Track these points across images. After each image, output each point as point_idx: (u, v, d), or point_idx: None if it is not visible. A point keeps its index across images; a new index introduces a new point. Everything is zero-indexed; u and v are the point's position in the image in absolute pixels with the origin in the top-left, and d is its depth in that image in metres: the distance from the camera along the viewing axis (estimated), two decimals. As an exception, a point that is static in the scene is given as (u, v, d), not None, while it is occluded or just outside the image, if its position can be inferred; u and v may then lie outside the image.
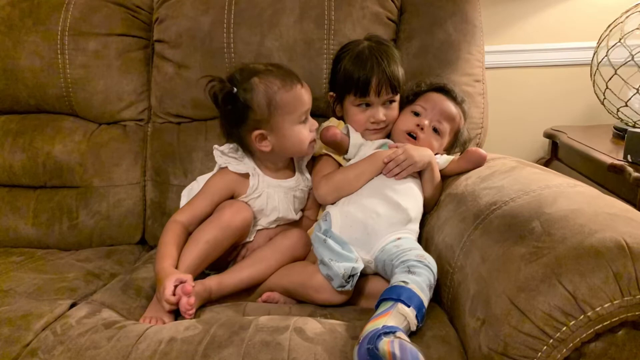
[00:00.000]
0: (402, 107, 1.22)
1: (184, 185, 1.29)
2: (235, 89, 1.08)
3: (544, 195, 0.89)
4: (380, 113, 1.18)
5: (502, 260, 0.82)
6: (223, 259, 1.14)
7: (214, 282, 1.04)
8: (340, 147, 1.18)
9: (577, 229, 0.77)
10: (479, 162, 1.15)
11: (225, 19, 1.34)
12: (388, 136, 1.23)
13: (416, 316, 0.83)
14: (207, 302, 1.03)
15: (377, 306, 0.86)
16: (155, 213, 1.38)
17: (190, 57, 1.35)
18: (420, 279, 0.88)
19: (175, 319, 0.99)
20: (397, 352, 0.72)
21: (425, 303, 0.87)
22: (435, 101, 1.18)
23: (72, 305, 1.03)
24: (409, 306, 0.82)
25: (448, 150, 1.24)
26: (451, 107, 1.19)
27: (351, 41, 1.24)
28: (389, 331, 0.76)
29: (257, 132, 1.10)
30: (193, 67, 1.35)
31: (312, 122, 1.13)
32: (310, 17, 1.32)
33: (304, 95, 1.11)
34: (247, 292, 1.10)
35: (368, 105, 1.18)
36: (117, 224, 1.37)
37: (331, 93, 1.25)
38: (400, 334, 0.77)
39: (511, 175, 1.04)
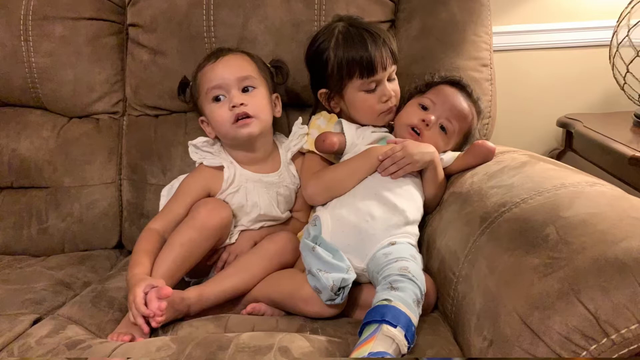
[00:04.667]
0: (411, 99, 1.15)
1: (162, 185, 1.24)
2: (190, 82, 1.16)
3: (559, 196, 0.83)
4: (389, 88, 1.11)
5: (513, 272, 0.76)
6: (203, 263, 1.09)
7: (193, 295, 0.98)
8: (338, 151, 1.12)
9: (598, 237, 0.71)
10: (487, 156, 1.08)
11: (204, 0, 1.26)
12: (390, 131, 1.16)
13: (405, 336, 0.77)
14: (186, 315, 0.97)
15: (360, 332, 0.79)
16: (133, 215, 1.32)
17: (167, 42, 1.28)
18: (404, 295, 0.82)
19: (151, 336, 0.93)
20: None
21: (414, 321, 0.81)
22: (447, 96, 1.11)
23: (36, 321, 0.98)
24: (395, 326, 0.76)
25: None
26: (464, 104, 1.12)
27: (319, 31, 1.16)
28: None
29: (200, 118, 1.14)
30: (170, 53, 1.28)
31: (230, 100, 1.06)
32: (298, -5, 1.25)
33: (215, 70, 1.08)
34: (230, 302, 1.04)
35: (376, 85, 1.11)
36: (91, 227, 1.31)
37: (323, 90, 1.16)
38: (403, 343, 0.74)
39: (522, 171, 0.97)
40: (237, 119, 1.06)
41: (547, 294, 0.69)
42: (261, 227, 1.14)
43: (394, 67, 1.13)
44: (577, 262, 0.69)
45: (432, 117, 1.08)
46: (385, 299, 0.80)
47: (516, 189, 0.90)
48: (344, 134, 1.11)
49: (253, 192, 1.11)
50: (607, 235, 0.70)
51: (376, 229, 0.99)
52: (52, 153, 1.32)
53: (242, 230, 1.12)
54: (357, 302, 0.98)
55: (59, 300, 1.08)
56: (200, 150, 1.13)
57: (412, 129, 1.10)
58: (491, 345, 0.73)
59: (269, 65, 1.16)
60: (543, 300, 0.69)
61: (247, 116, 1.06)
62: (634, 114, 1.36)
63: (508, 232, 0.82)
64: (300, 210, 1.19)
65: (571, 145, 1.48)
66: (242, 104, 1.06)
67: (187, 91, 1.18)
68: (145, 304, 0.89)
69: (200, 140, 1.13)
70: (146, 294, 0.90)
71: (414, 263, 0.91)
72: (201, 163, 1.13)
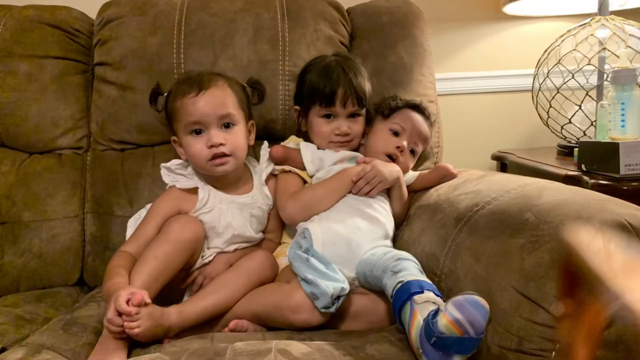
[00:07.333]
0: (373, 120, 1.18)
1: (129, 216, 1.16)
2: (164, 93, 1.09)
3: (527, 191, 0.87)
4: (345, 125, 1.13)
5: (501, 254, 0.77)
6: (177, 286, 1.02)
7: (173, 312, 0.91)
8: (295, 163, 1.12)
9: (574, 214, 0.74)
10: (449, 177, 1.13)
11: (175, 39, 1.26)
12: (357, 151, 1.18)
13: (435, 294, 0.77)
14: (165, 337, 0.89)
15: (401, 322, 0.79)
16: (97, 248, 1.22)
17: (136, 78, 1.25)
18: (409, 270, 0.83)
19: (129, 356, 0.85)
20: (458, 315, 0.67)
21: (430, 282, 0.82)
22: (413, 121, 1.15)
23: (1, 351, 0.86)
24: (422, 292, 0.76)
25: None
26: (426, 128, 1.17)
27: (318, 56, 1.21)
28: (433, 313, 0.71)
29: (172, 138, 1.09)
30: (139, 88, 1.25)
31: (209, 138, 1.01)
32: (264, 38, 1.28)
33: (196, 104, 1.01)
34: (209, 324, 0.97)
35: (333, 117, 1.13)
36: (52, 263, 1.19)
37: (296, 107, 1.19)
38: (439, 300, 0.75)
39: (484, 180, 1.02)
40: (214, 157, 1.02)
41: (539, 265, 0.71)
42: (235, 250, 1.09)
43: (357, 109, 1.13)
44: (560, 234, 0.71)
45: (405, 143, 1.12)
46: (399, 282, 0.79)
47: (484, 192, 0.94)
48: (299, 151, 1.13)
49: (227, 213, 1.07)
50: (581, 212, 0.74)
51: (364, 240, 0.98)
52: (10, 188, 1.21)
53: (217, 253, 1.07)
54: (343, 315, 0.95)
55: (23, 332, 0.96)
56: (173, 172, 1.08)
57: (388, 155, 1.12)
58: (489, 323, 0.72)
59: (245, 84, 1.14)
60: (537, 271, 0.70)
61: (224, 155, 1.03)
62: (558, 145, 1.48)
63: (487, 224, 0.84)
64: (273, 232, 1.15)
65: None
66: (220, 144, 1.02)
67: (159, 100, 1.12)
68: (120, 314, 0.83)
69: (173, 163, 1.08)
70: (128, 301, 0.83)
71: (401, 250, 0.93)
72: (173, 186, 1.07)
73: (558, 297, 0.66)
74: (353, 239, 0.98)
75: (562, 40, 1.38)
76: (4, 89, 1.23)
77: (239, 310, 0.96)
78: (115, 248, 1.15)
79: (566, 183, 1.19)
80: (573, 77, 1.33)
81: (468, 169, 1.17)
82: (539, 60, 1.45)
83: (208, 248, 1.06)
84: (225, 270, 1.03)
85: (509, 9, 1.55)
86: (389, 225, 1.05)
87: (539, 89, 1.43)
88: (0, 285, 1.17)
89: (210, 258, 1.06)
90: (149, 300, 0.85)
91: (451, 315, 0.67)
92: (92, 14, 1.34)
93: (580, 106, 1.35)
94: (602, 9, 1.39)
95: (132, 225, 1.11)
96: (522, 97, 1.61)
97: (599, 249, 0.38)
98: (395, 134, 1.13)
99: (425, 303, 0.74)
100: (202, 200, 1.05)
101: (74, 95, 1.28)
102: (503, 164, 1.54)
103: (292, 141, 1.18)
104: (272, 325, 0.94)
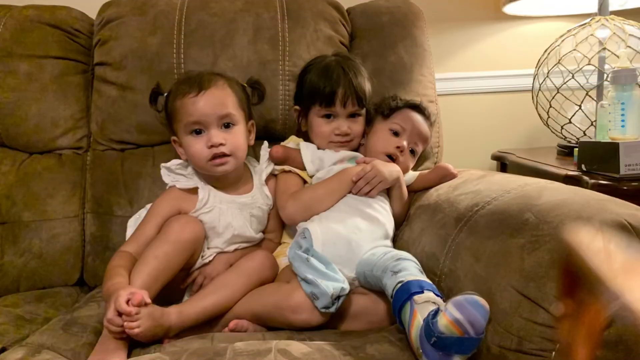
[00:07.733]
0: (373, 120, 1.18)
1: (129, 216, 1.16)
2: (164, 93, 1.09)
3: (527, 191, 0.87)
4: (345, 125, 1.13)
5: (501, 254, 0.77)
6: (177, 286, 1.02)
7: (173, 312, 0.91)
8: (295, 163, 1.12)
9: (574, 214, 0.74)
10: (449, 177, 1.13)
11: (175, 39, 1.26)
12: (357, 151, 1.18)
13: (435, 294, 0.77)
14: (165, 337, 0.89)
15: (401, 322, 0.79)
16: (97, 248, 1.22)
17: (136, 78, 1.25)
18: (409, 270, 0.83)
19: (129, 356, 0.85)
20: (458, 315, 0.67)
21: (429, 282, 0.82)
22: (413, 121, 1.15)
23: (1, 351, 0.86)
24: (422, 292, 0.76)
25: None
26: (426, 128, 1.17)
27: (318, 56, 1.21)
28: (433, 313, 0.71)
29: (172, 138, 1.09)
30: (139, 88, 1.25)
31: (209, 138, 1.01)
32: (264, 38, 1.28)
33: (196, 104, 1.01)
34: (209, 324, 0.97)
35: (333, 116, 1.13)
36: (52, 263, 1.19)
37: (296, 107, 1.19)
38: (439, 300, 0.75)
39: (484, 180, 1.02)
40: (214, 157, 1.02)
41: (539, 265, 0.71)
42: (235, 250, 1.09)
43: (357, 109, 1.13)
44: (560, 234, 0.72)
45: (405, 143, 1.12)
46: (399, 282, 0.79)
47: (484, 192, 0.94)
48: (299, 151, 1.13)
49: (227, 213, 1.07)
50: (581, 212, 0.74)
51: (364, 240, 0.98)
52: (10, 188, 1.21)
53: (217, 253, 1.07)
54: (343, 314, 0.94)
55: (23, 332, 0.96)
56: (173, 172, 1.08)
57: (388, 155, 1.12)
58: (489, 323, 0.72)
59: (245, 84, 1.14)
60: (537, 271, 0.70)
61: (224, 155, 1.03)
62: (558, 145, 1.48)
63: (487, 224, 0.84)
64: (273, 232, 1.15)
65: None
66: (220, 144, 1.01)
67: (159, 100, 1.12)
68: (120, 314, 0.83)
69: (173, 163, 1.08)
70: (128, 300, 0.83)
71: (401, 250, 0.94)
72: (173, 186, 1.07)
73: (558, 297, 0.66)
74: (353, 239, 0.98)
75: (562, 40, 1.39)
76: (4, 89, 1.24)
77: (239, 310, 0.96)
78: (115, 248, 1.15)
79: (566, 183, 1.20)
80: (573, 77, 1.33)
81: (468, 169, 1.17)
82: (539, 60, 1.45)
83: (208, 248, 1.06)
84: (225, 270, 1.03)
85: (509, 9, 1.55)
86: (389, 225, 1.05)
87: (539, 89, 1.43)
88: (0, 285, 1.17)
89: (210, 258, 1.06)
90: (149, 300, 0.85)
91: (451, 315, 0.67)
92: (92, 14, 1.35)
93: (580, 106, 1.35)
94: (602, 9, 1.39)
95: (132, 225, 1.12)
96: (522, 97, 1.61)
97: (599, 249, 0.38)
98: (395, 134, 1.13)
99: (425, 303, 0.74)
100: (202, 200, 1.06)
101: (74, 95, 1.28)
102: (503, 164, 1.54)
103: (292, 141, 1.18)
104: (272, 325, 0.94)
